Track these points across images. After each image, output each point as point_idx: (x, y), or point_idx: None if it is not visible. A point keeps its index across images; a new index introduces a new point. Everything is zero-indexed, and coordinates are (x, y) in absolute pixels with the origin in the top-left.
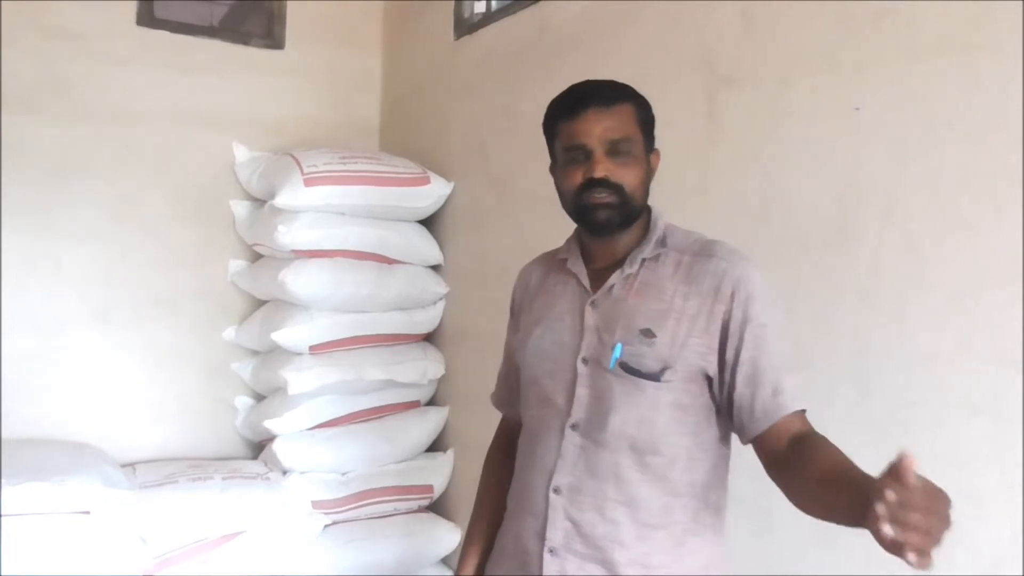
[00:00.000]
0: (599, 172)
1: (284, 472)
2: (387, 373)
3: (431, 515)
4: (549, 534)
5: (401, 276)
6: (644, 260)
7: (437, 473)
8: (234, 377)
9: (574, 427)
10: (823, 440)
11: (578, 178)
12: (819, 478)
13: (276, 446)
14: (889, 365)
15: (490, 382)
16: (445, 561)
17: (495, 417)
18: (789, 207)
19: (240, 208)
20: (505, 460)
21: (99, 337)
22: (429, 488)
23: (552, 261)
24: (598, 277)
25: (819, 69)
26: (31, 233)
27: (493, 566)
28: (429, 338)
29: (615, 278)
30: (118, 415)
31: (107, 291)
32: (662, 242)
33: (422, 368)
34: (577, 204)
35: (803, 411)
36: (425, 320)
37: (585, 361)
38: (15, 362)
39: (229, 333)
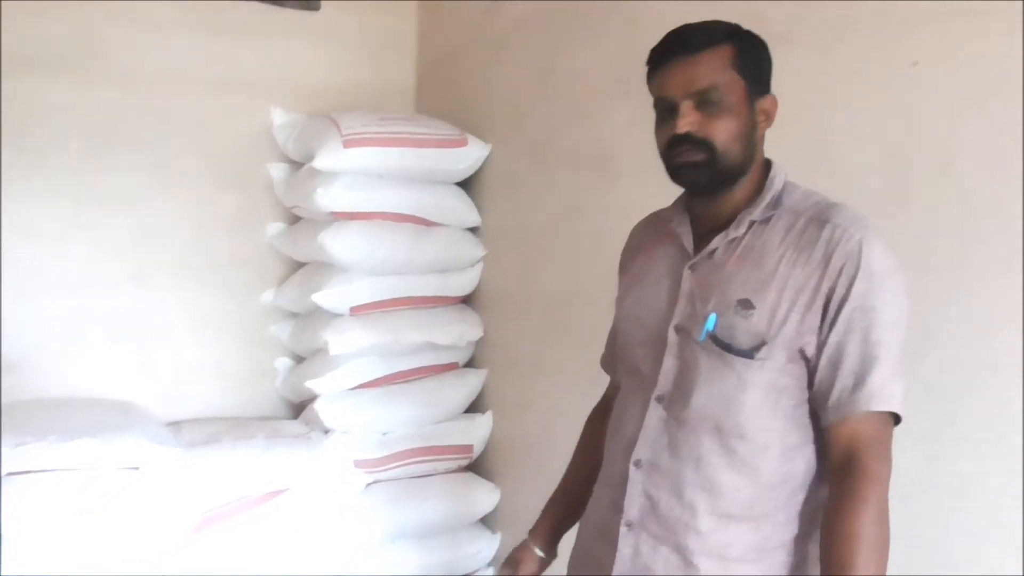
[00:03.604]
0: (682, 127)
1: (325, 432)
2: (425, 335)
3: (470, 475)
4: (626, 507)
5: (439, 238)
6: (753, 222)
7: (475, 434)
8: (273, 339)
9: (659, 399)
10: (843, 510)
11: (666, 135)
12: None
13: (318, 406)
14: (943, 326)
15: (528, 344)
16: (484, 521)
17: (533, 379)
18: (839, 167)
19: (278, 171)
20: (598, 426)
21: (141, 301)
22: (468, 448)
23: (658, 221)
24: (703, 240)
25: (873, 24)
26: (71, 199)
27: (580, 530)
28: (467, 300)
29: (718, 241)
30: (161, 376)
31: (148, 255)
32: (776, 203)
33: (460, 331)
34: (667, 163)
35: (888, 415)
36: (463, 282)
37: (677, 330)
38: (61, 325)
39: (268, 296)
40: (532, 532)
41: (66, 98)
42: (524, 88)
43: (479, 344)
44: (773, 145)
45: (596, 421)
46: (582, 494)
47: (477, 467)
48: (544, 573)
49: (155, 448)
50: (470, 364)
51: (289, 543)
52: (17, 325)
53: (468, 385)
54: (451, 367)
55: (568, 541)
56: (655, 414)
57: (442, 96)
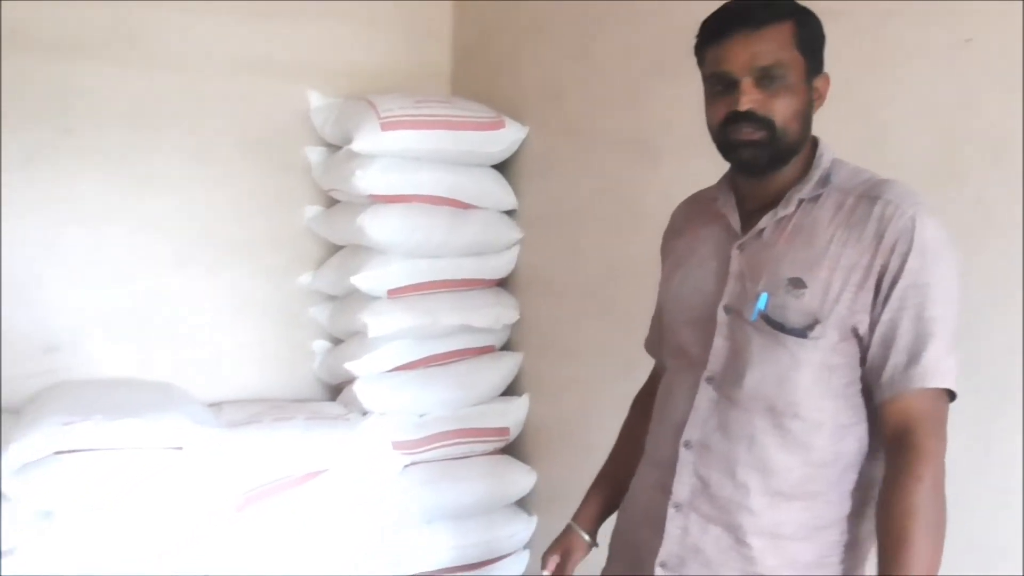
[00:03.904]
0: (744, 104)
1: (364, 413)
2: (462, 318)
3: (507, 457)
4: (675, 488)
5: (475, 221)
6: (802, 201)
7: (512, 416)
8: (310, 321)
9: (709, 380)
10: (898, 487)
11: (722, 111)
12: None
13: (356, 387)
14: (994, 307)
15: (565, 327)
16: (520, 503)
17: (569, 363)
18: (889, 146)
19: (315, 154)
20: (644, 408)
21: (180, 283)
22: (504, 431)
23: (702, 202)
24: (750, 219)
25: None
26: (114, 182)
27: (623, 511)
28: (503, 283)
29: (766, 220)
30: (200, 358)
31: (187, 238)
32: (825, 180)
33: (496, 313)
34: (721, 141)
35: (943, 392)
36: (499, 265)
37: (727, 310)
38: (104, 307)
39: (306, 278)
40: (577, 516)
41: (109, 81)
42: (562, 69)
43: (515, 327)
44: (820, 123)
45: (642, 404)
46: (627, 478)
47: (513, 449)
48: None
49: (197, 428)
50: (506, 347)
51: (328, 523)
52: (62, 307)
53: (504, 368)
54: (487, 350)
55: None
56: (705, 395)
57: (478, 78)
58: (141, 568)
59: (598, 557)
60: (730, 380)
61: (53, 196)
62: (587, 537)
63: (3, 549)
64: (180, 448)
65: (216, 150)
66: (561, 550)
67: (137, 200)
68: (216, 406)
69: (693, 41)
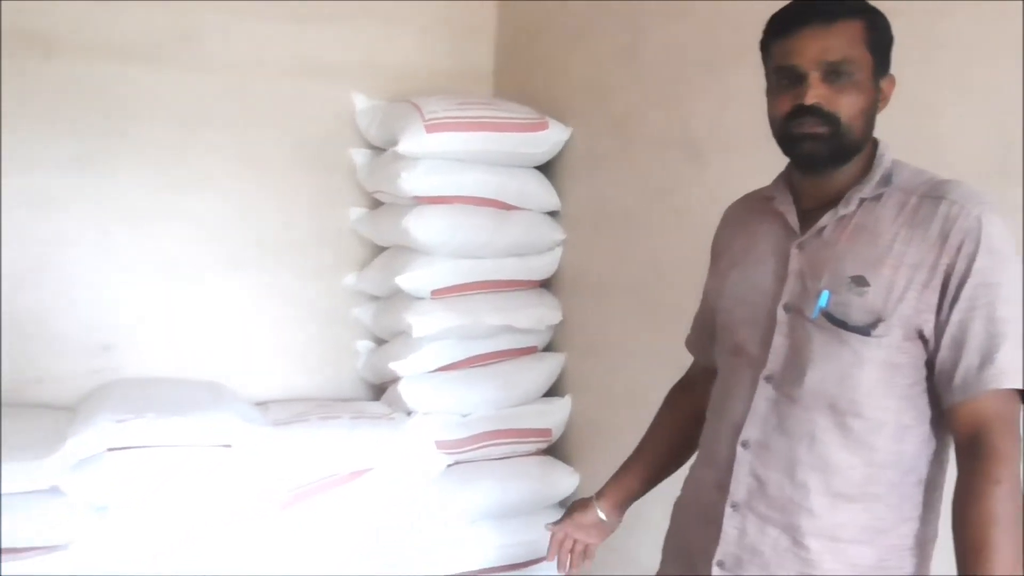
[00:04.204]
0: (810, 98)
1: (407, 413)
2: (504, 319)
3: (549, 458)
4: (732, 488)
5: (518, 222)
6: (863, 200)
7: (555, 417)
8: (355, 321)
9: (768, 379)
10: (975, 492)
11: (786, 104)
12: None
13: (401, 387)
14: None
15: (608, 328)
16: (562, 504)
17: (613, 363)
18: (942, 142)
19: (360, 156)
20: (678, 401)
21: (227, 283)
22: (547, 432)
23: (757, 201)
24: (808, 218)
25: None
26: (162, 183)
27: (677, 511)
28: (546, 284)
29: (827, 218)
30: (247, 357)
31: (234, 238)
32: (887, 180)
33: (539, 314)
34: (783, 134)
35: (1015, 393)
36: (542, 266)
37: (787, 308)
38: (154, 307)
39: (351, 279)
40: (599, 495)
41: (161, 84)
42: (607, 69)
43: (558, 328)
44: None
45: (677, 396)
46: (660, 466)
47: (556, 451)
48: (632, 572)
49: (246, 426)
50: (549, 348)
51: (373, 521)
52: (115, 306)
53: (547, 369)
54: (530, 351)
55: (650, 521)
56: (764, 393)
57: (521, 79)
58: (191, 563)
59: (651, 560)
60: (790, 378)
61: (107, 197)
62: (603, 515)
63: (60, 543)
64: (229, 446)
65: (263, 152)
66: (573, 523)
67: (186, 201)
68: (263, 405)
69: (742, 39)
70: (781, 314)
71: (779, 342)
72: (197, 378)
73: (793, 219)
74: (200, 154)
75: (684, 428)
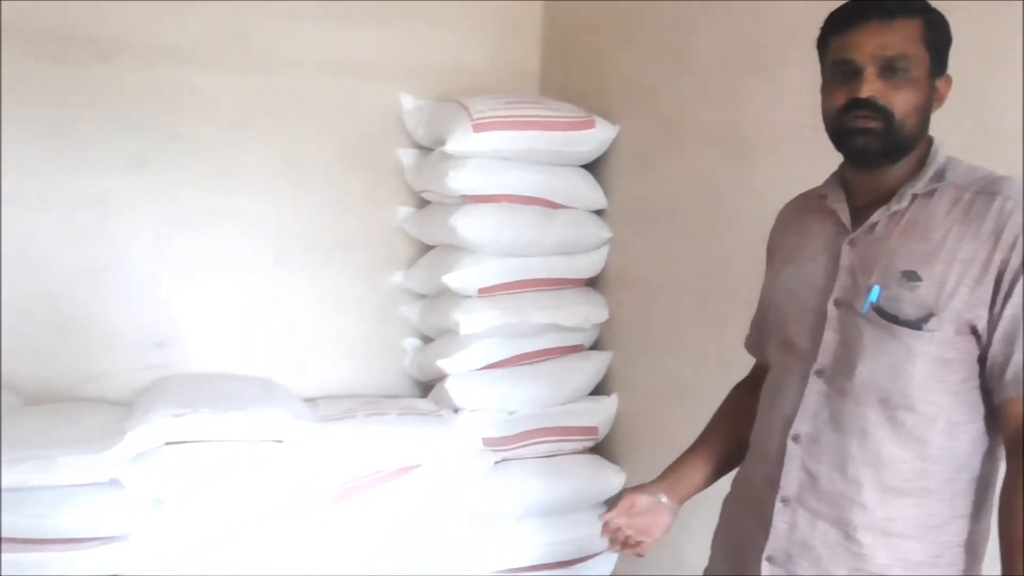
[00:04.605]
0: (865, 92)
1: (455, 410)
2: (551, 317)
3: (596, 457)
4: (783, 483)
5: (565, 221)
6: (916, 196)
7: (601, 416)
8: (401, 319)
9: (819, 374)
10: (1020, 486)
11: (841, 98)
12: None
13: (448, 384)
14: None
15: (655, 327)
16: (609, 503)
17: (660, 362)
18: (1003, 144)
19: (407, 156)
20: (740, 398)
21: (277, 281)
22: (593, 430)
23: (810, 199)
24: (860, 215)
25: None
26: (215, 183)
27: (726, 506)
28: (592, 283)
29: (879, 214)
30: (296, 354)
31: (283, 238)
32: (940, 176)
33: (585, 312)
34: (837, 127)
35: None
36: (588, 265)
37: (837, 304)
38: (206, 305)
39: (398, 277)
40: (657, 484)
41: (213, 86)
42: (654, 66)
43: (604, 326)
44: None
45: (740, 394)
46: (722, 461)
47: (602, 449)
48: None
49: (296, 422)
50: (595, 346)
51: (421, 516)
52: (168, 304)
53: (593, 367)
54: (576, 349)
55: (697, 519)
56: (815, 388)
57: (567, 78)
58: (244, 555)
59: (698, 559)
60: (841, 373)
61: (162, 198)
62: (664, 499)
63: (119, 534)
64: (280, 441)
65: (312, 152)
66: (628, 514)
67: (238, 201)
68: (312, 401)
69: (792, 37)
70: (831, 309)
71: (829, 337)
72: (248, 374)
73: (845, 215)
74: (251, 155)
75: (745, 425)
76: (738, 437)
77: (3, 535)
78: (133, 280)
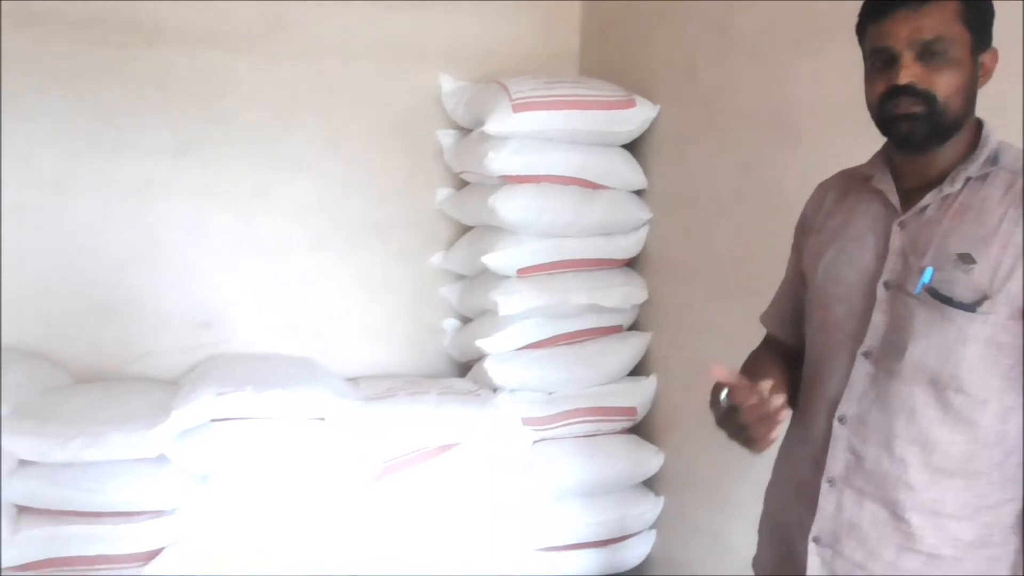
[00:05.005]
0: (903, 78)
1: (494, 390)
2: (590, 297)
3: (635, 437)
4: (828, 463)
5: (604, 201)
6: (969, 179)
7: (640, 396)
8: (440, 300)
9: (866, 355)
10: None
11: (881, 86)
12: None
13: (487, 364)
14: None
15: (695, 308)
16: (647, 483)
17: (699, 343)
18: (1007, 139)
19: (446, 137)
20: (764, 353)
21: (318, 263)
22: (632, 410)
23: (853, 178)
24: (908, 197)
25: None
26: (258, 167)
27: (771, 491)
28: (632, 263)
29: (931, 197)
30: (336, 335)
31: (323, 220)
32: (993, 160)
33: (624, 293)
34: (880, 116)
35: None
36: (628, 245)
37: (887, 286)
38: (249, 287)
39: (437, 258)
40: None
41: (253, 71)
42: (696, 45)
43: (644, 307)
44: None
45: (759, 349)
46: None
47: (641, 430)
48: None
49: (339, 400)
50: (634, 327)
51: (461, 494)
52: (213, 286)
53: (632, 348)
54: (615, 330)
55: (741, 505)
56: (861, 369)
57: (607, 57)
58: (289, 529)
59: (744, 546)
60: (890, 354)
61: (206, 182)
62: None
63: (166, 508)
64: (323, 419)
65: (352, 135)
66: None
67: (280, 184)
68: (353, 381)
69: (838, 14)
70: (881, 291)
71: (878, 319)
72: (290, 354)
73: (894, 197)
74: (292, 138)
75: (785, 363)
76: (784, 367)
77: (57, 508)
78: (178, 263)
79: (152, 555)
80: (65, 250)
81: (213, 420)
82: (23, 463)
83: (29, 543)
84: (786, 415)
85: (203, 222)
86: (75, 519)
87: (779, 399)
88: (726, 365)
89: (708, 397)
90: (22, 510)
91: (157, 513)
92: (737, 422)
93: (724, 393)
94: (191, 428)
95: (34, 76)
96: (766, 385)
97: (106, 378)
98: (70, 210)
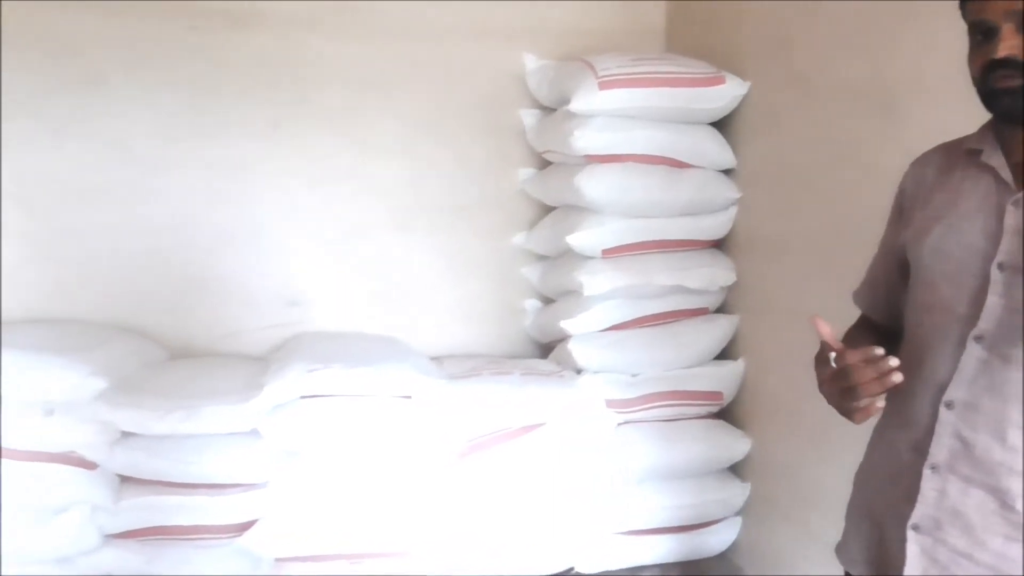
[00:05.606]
0: (1002, 51)
1: (577, 371)
2: (675, 279)
3: (721, 422)
4: (933, 450)
5: (691, 180)
6: None
7: (726, 381)
8: (522, 281)
9: (978, 339)
10: None
11: (981, 60)
12: None
13: (571, 345)
14: None
15: (785, 290)
16: (733, 469)
17: (790, 326)
18: None
19: (529, 117)
20: (860, 332)
21: (401, 242)
22: (718, 395)
23: (956, 152)
24: (1019, 173)
25: None
26: (342, 147)
27: (861, 478)
28: (719, 244)
29: None
30: (419, 314)
31: (407, 200)
32: None
33: (711, 274)
34: (983, 90)
35: None
36: (715, 226)
37: (1001, 267)
38: (334, 266)
39: (520, 238)
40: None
41: (337, 52)
42: (788, 17)
43: (731, 289)
44: None
45: (853, 332)
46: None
47: (727, 414)
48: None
49: (424, 379)
50: (721, 309)
51: (544, 475)
52: (300, 265)
53: (719, 330)
54: (701, 312)
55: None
56: (972, 353)
57: (694, 34)
58: (375, 506)
59: (827, 534)
60: (1006, 338)
61: (293, 162)
62: None
63: (258, 482)
64: (409, 397)
65: (434, 115)
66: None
67: (364, 164)
68: (436, 360)
69: None
70: (995, 273)
71: (993, 301)
72: (376, 333)
73: (1006, 173)
74: (375, 118)
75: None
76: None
77: (153, 479)
78: (267, 242)
79: (245, 527)
80: (159, 229)
81: (303, 396)
82: (125, 435)
83: (131, 511)
84: (899, 378)
85: (291, 202)
86: (173, 490)
87: (894, 359)
88: (830, 329)
89: (798, 382)
90: (124, 480)
91: (249, 486)
92: (846, 383)
93: (833, 355)
94: (282, 403)
95: (132, 59)
96: (878, 348)
97: (198, 354)
98: (164, 189)
